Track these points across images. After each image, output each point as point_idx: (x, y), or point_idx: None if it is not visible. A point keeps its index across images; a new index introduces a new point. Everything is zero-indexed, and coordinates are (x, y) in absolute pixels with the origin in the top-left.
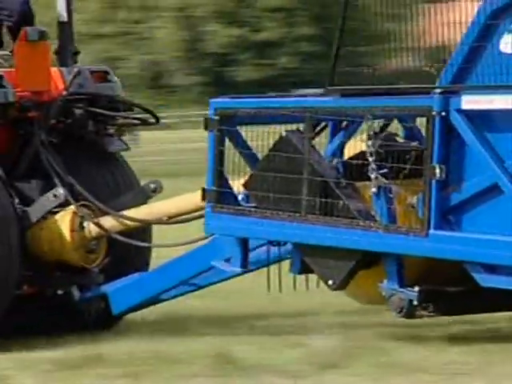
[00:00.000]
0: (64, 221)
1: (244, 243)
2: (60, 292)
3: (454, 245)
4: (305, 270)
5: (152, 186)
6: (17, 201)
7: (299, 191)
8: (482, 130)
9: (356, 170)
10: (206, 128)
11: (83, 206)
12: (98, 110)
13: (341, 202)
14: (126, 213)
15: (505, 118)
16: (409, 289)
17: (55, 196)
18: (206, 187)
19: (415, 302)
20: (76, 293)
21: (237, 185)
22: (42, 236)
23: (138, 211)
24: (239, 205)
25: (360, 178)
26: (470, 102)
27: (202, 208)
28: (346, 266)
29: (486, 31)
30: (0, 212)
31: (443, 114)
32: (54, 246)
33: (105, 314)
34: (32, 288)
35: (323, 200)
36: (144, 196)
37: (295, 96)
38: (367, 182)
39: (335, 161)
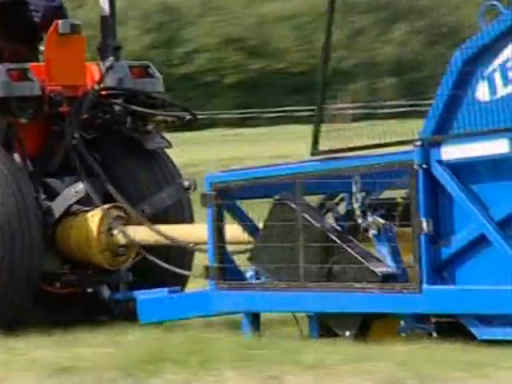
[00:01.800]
0: (92, 221)
1: (255, 318)
2: (90, 290)
3: (448, 299)
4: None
5: (186, 183)
6: (43, 196)
7: (297, 257)
8: (464, 180)
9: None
10: (203, 204)
11: (116, 207)
12: (132, 107)
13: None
14: (160, 227)
15: (484, 165)
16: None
17: (76, 192)
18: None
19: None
20: (106, 292)
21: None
22: (70, 234)
23: (175, 228)
24: (244, 280)
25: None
26: (449, 152)
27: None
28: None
29: (461, 80)
30: (22, 206)
31: (424, 166)
32: (80, 246)
33: (132, 315)
34: (64, 286)
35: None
36: (178, 194)
37: (285, 164)
38: None
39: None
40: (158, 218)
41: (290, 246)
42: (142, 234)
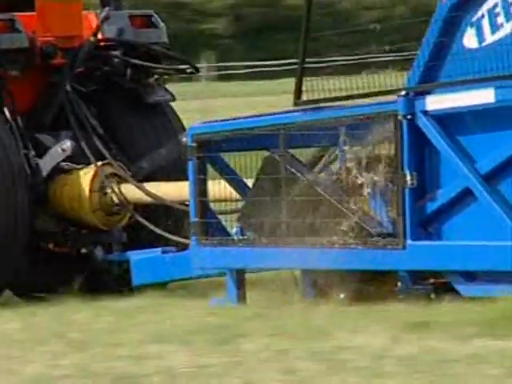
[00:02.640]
0: (85, 179)
1: (239, 276)
2: (84, 251)
3: (432, 255)
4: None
5: (184, 138)
6: (33, 153)
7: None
8: (450, 131)
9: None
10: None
11: (110, 164)
12: (130, 60)
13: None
14: (149, 186)
15: (470, 116)
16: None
17: (63, 150)
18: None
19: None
20: (99, 253)
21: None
22: (63, 192)
23: (163, 187)
24: (228, 235)
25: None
26: (435, 102)
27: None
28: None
29: (448, 27)
30: (5, 163)
31: (409, 117)
32: (73, 205)
33: (126, 277)
34: (57, 245)
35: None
36: (178, 150)
37: (268, 114)
38: None
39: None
40: (157, 175)
41: (279, 201)
42: (134, 192)
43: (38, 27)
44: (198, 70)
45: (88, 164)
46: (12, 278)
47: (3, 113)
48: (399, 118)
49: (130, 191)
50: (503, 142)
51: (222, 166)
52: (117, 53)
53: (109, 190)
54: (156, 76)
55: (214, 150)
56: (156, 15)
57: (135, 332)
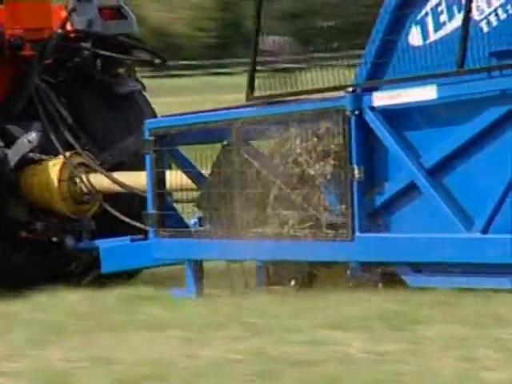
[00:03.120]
0: (53, 169)
1: (197, 267)
2: (55, 239)
3: (380, 247)
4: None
5: None
6: (1, 144)
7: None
8: (396, 127)
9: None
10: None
11: (79, 154)
12: (97, 51)
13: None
14: (117, 175)
15: (414, 111)
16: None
17: (29, 141)
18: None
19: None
20: (69, 241)
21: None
22: (33, 182)
23: (131, 176)
24: (185, 227)
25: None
26: (381, 98)
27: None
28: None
29: (393, 24)
30: None
31: (357, 112)
32: (43, 194)
33: (94, 266)
34: (30, 234)
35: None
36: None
37: (222, 109)
38: None
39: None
40: (124, 165)
41: (232, 192)
42: (103, 181)
43: (7, 20)
44: (165, 61)
45: (58, 154)
46: None
47: None
48: (347, 113)
49: (99, 180)
50: (445, 138)
51: (179, 159)
52: (86, 44)
53: (77, 180)
54: (125, 67)
55: (170, 143)
56: (126, 7)
57: (312, 318)
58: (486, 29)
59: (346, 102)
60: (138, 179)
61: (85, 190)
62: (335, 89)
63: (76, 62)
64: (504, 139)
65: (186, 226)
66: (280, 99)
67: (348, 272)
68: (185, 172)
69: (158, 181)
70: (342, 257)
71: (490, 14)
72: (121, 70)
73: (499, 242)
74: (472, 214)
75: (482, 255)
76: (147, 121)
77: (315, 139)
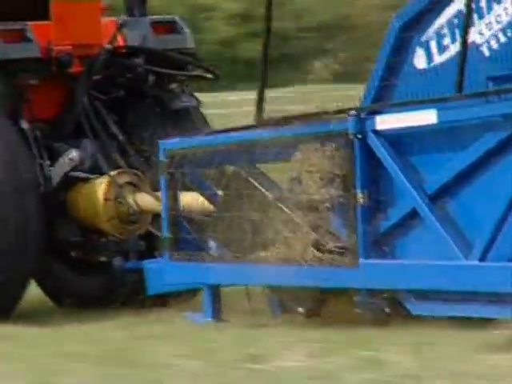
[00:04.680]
0: (99, 188)
1: (214, 291)
2: (103, 259)
3: (383, 274)
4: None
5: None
6: (47, 162)
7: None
8: (399, 151)
9: None
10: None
11: (127, 173)
12: (148, 67)
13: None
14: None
15: (416, 136)
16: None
17: (70, 159)
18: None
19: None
20: (117, 262)
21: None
22: (79, 201)
23: (185, 196)
24: (200, 250)
25: None
26: (384, 121)
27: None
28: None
29: (398, 47)
30: (13, 170)
31: (359, 136)
32: (88, 213)
33: (140, 288)
34: (78, 254)
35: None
36: None
37: (232, 131)
38: None
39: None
40: None
41: (239, 216)
42: (149, 201)
43: (55, 36)
44: (218, 76)
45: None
46: (22, 288)
47: (20, 122)
48: (350, 137)
49: (146, 200)
50: (446, 163)
51: (195, 181)
52: (138, 60)
53: (123, 199)
54: (178, 82)
55: (185, 165)
56: (181, 21)
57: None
58: (487, 53)
59: (349, 125)
60: (184, 199)
61: (131, 209)
62: (339, 112)
63: (128, 78)
64: (504, 165)
65: (201, 250)
66: (287, 122)
67: (356, 298)
68: (201, 193)
69: (172, 203)
70: (346, 283)
71: (490, 38)
72: (174, 86)
73: (496, 269)
74: (472, 241)
75: (479, 283)
76: (160, 142)
77: (319, 163)
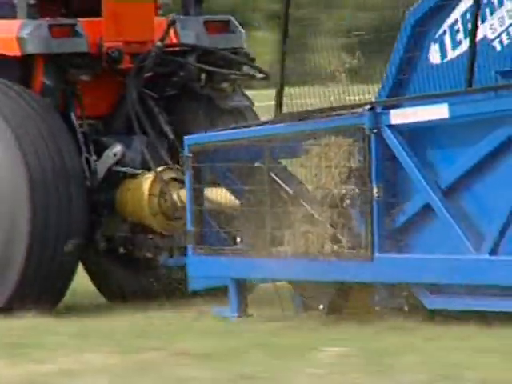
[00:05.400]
0: (145, 184)
1: (239, 285)
2: (149, 255)
3: (398, 268)
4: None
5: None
6: (94, 157)
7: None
8: (414, 146)
9: None
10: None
11: (172, 169)
12: (198, 65)
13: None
14: (208, 190)
15: (429, 130)
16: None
17: (114, 154)
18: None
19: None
20: (162, 258)
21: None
22: (127, 197)
23: (222, 192)
24: (223, 244)
25: None
26: (399, 116)
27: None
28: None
29: (413, 42)
30: (59, 165)
31: (375, 131)
32: (135, 209)
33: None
34: (126, 249)
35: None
36: None
37: (255, 125)
38: None
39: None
40: None
41: (261, 211)
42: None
43: (106, 32)
44: (268, 76)
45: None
46: (65, 282)
47: (70, 116)
48: (366, 131)
49: (223, 195)
50: (458, 157)
51: (219, 175)
52: (190, 58)
53: (168, 195)
54: (230, 82)
55: (209, 159)
56: (234, 20)
57: None
58: (498, 47)
59: (365, 119)
60: (228, 195)
61: (175, 205)
62: (356, 106)
63: (179, 76)
64: None
65: (225, 244)
66: (305, 116)
67: (376, 297)
68: (225, 188)
69: (197, 197)
70: (361, 277)
71: (502, 33)
72: (225, 85)
73: (506, 263)
74: (483, 235)
75: (489, 277)
76: (185, 137)
77: (336, 157)
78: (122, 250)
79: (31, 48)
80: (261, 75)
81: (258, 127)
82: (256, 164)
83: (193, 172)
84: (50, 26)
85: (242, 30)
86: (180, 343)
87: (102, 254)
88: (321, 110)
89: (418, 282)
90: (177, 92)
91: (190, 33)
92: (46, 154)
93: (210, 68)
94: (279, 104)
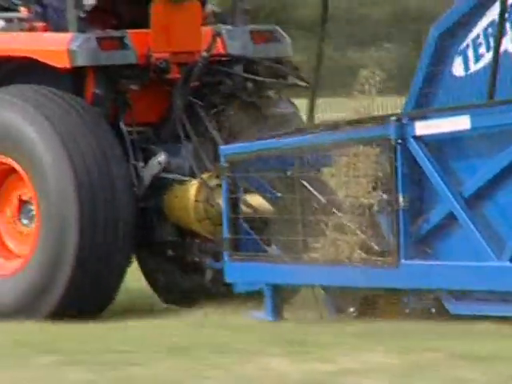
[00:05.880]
0: (191, 190)
1: (274, 290)
2: (196, 259)
3: (424, 274)
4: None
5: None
6: (141, 164)
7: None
8: (438, 156)
9: None
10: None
11: (216, 176)
12: (242, 74)
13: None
14: (250, 197)
15: (452, 141)
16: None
17: (159, 162)
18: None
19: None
20: (208, 261)
21: None
22: (174, 203)
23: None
24: (259, 251)
25: None
26: (423, 127)
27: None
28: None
29: (437, 55)
30: (106, 172)
31: (400, 141)
32: (182, 215)
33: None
34: (174, 253)
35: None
36: None
37: (286, 135)
38: None
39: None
40: None
41: (294, 218)
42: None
43: (154, 43)
44: (310, 85)
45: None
46: (115, 287)
47: (119, 124)
48: (392, 142)
49: (259, 203)
50: (480, 168)
51: (253, 184)
52: (236, 68)
53: (213, 201)
54: (275, 89)
55: (244, 169)
56: (280, 30)
57: None
58: None
59: (391, 130)
60: (263, 203)
61: (220, 211)
62: (383, 118)
63: (227, 85)
64: None
65: (260, 251)
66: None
67: (405, 299)
68: (260, 196)
69: (232, 205)
70: (388, 283)
71: None
72: (271, 93)
73: None
74: (504, 242)
75: (510, 283)
76: (221, 147)
77: (364, 167)
78: (171, 253)
79: (81, 60)
80: (304, 84)
81: (292, 138)
82: (288, 173)
83: (229, 181)
84: (99, 39)
85: (288, 39)
86: (456, 345)
87: (154, 257)
88: (349, 122)
89: (441, 288)
90: (225, 100)
91: (237, 43)
92: (92, 161)
93: (256, 77)
94: (312, 114)
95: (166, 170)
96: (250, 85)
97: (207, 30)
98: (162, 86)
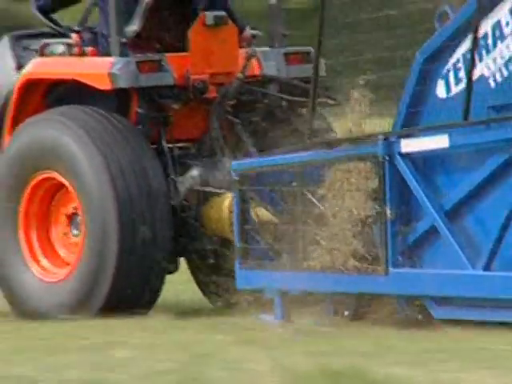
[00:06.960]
0: (225, 202)
1: (282, 295)
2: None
3: (410, 281)
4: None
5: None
6: (180, 179)
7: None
8: (420, 172)
9: None
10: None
11: None
12: (272, 93)
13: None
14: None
15: (434, 158)
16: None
17: (192, 177)
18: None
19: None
20: None
21: None
22: (211, 214)
23: None
24: (267, 259)
25: None
26: (408, 145)
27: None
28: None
29: (422, 78)
30: (145, 186)
31: (388, 158)
32: (218, 225)
33: None
34: (214, 260)
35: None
36: None
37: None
38: None
39: None
40: None
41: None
42: (264, 214)
43: (192, 65)
44: (339, 102)
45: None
46: (149, 298)
47: (160, 141)
48: (380, 159)
49: (264, 213)
50: (458, 184)
51: (263, 197)
52: (271, 87)
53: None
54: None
55: (254, 183)
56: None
57: None
58: (492, 85)
59: (379, 148)
60: (270, 214)
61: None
62: (372, 136)
63: (262, 104)
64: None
65: (269, 259)
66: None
67: (395, 305)
68: (268, 208)
69: (243, 216)
70: (378, 289)
71: (495, 71)
72: (304, 111)
73: (497, 278)
74: (479, 252)
75: (484, 290)
76: (233, 162)
77: (356, 182)
78: (211, 261)
79: (121, 82)
80: (332, 102)
81: (293, 154)
82: (290, 186)
83: (239, 194)
84: (138, 63)
85: (322, 60)
86: None
87: (197, 265)
88: (341, 140)
89: (425, 295)
90: (261, 117)
91: (271, 64)
92: (132, 176)
93: (289, 97)
94: (311, 131)
95: (203, 183)
96: (284, 103)
97: (243, 52)
98: (200, 105)
